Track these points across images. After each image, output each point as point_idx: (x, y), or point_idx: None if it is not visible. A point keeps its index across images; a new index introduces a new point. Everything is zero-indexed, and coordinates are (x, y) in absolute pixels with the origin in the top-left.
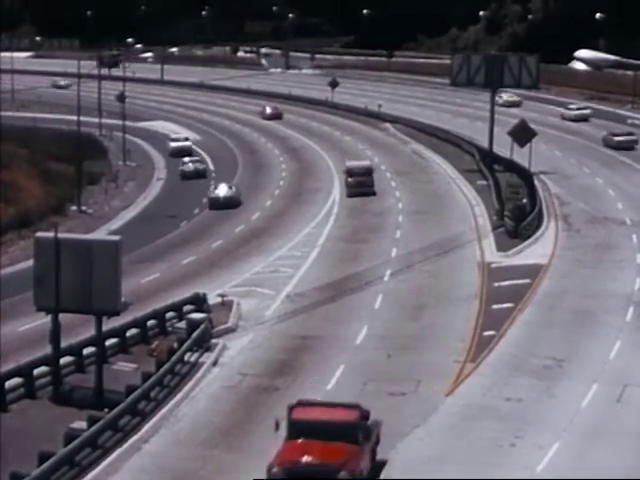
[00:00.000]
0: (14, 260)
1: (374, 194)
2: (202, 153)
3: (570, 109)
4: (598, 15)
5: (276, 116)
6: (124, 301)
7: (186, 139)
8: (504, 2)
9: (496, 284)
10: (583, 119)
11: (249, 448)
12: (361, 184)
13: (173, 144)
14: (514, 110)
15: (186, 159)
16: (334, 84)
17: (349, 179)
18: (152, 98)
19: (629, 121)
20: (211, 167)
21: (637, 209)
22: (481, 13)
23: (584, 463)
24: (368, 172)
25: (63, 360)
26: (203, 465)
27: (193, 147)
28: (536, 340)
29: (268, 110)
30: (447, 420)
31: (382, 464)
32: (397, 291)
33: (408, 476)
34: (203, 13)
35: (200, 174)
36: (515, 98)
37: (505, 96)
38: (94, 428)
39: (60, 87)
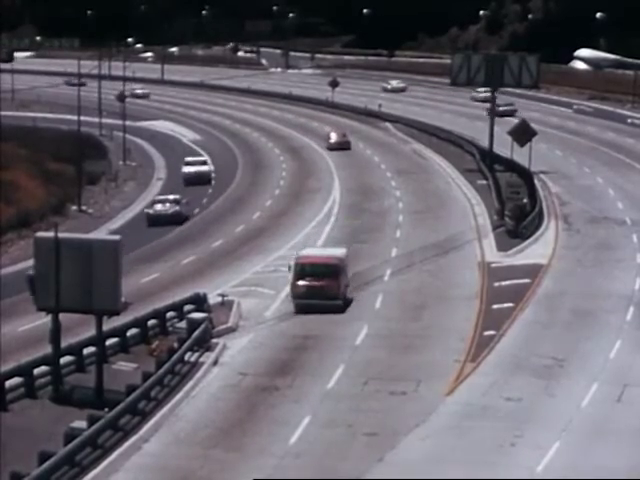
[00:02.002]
0: (14, 260)
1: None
2: (202, 153)
3: (478, 92)
4: (598, 15)
5: (343, 146)
6: (124, 301)
7: (204, 162)
8: (504, 2)
9: (496, 284)
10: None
11: (249, 448)
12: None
13: (187, 169)
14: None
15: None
16: (334, 84)
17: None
18: (152, 97)
19: (629, 120)
20: (211, 167)
21: (637, 209)
22: (481, 13)
23: (584, 463)
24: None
25: (63, 360)
26: (203, 464)
27: (212, 172)
28: (536, 340)
29: (334, 138)
30: (447, 420)
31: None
32: (397, 291)
33: (408, 476)
34: (203, 13)
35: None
36: (402, 84)
37: (394, 82)
38: (94, 428)
39: (138, 97)
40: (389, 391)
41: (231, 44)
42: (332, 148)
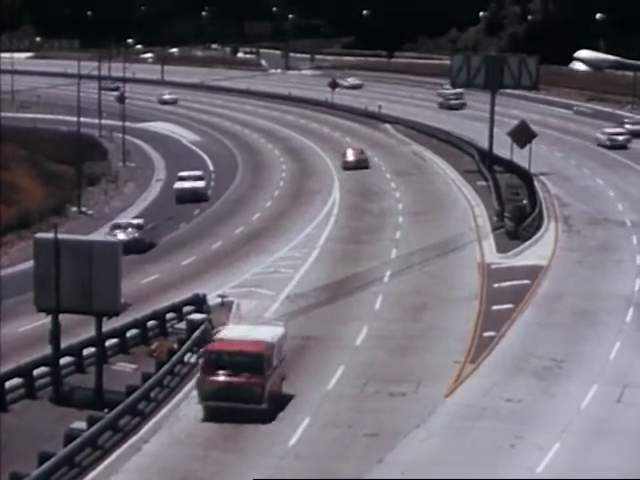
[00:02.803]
0: (14, 261)
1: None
2: (201, 154)
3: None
4: (598, 16)
5: (361, 164)
6: (123, 302)
7: (200, 178)
8: (504, 3)
9: (496, 285)
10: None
11: (249, 448)
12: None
13: (180, 185)
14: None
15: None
16: (334, 85)
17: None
18: (152, 99)
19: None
20: (211, 168)
21: (637, 210)
22: (481, 14)
23: (584, 464)
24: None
25: (63, 360)
26: (203, 465)
27: (209, 189)
28: (536, 341)
29: (350, 156)
30: (447, 421)
31: None
32: (397, 292)
33: (408, 476)
34: (203, 14)
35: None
36: (358, 81)
37: (350, 80)
38: (94, 428)
39: (165, 102)
40: (389, 392)
41: (229, 48)
42: (348, 167)
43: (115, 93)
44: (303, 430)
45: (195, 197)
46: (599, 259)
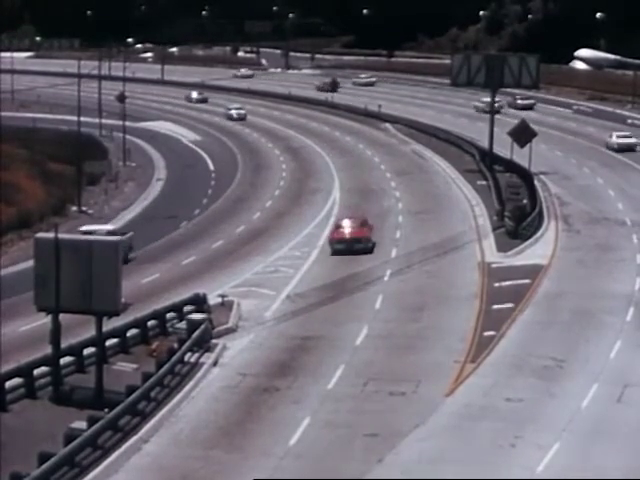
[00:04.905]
0: (14, 261)
1: None
2: (202, 153)
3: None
4: (598, 15)
5: (360, 245)
6: (123, 302)
7: (111, 233)
8: (504, 2)
9: (496, 284)
10: None
11: (249, 448)
12: None
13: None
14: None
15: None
16: (334, 85)
17: None
18: (152, 98)
19: (629, 121)
20: (211, 167)
21: (637, 210)
22: (481, 13)
23: (584, 463)
24: None
25: (63, 360)
26: (203, 465)
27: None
28: (536, 340)
29: (346, 228)
30: (447, 420)
31: None
32: (397, 291)
33: (408, 476)
34: (203, 13)
35: None
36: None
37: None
38: (94, 428)
39: (197, 101)
40: (389, 392)
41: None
42: (338, 251)
43: (202, 105)
44: (303, 430)
45: None
46: (599, 258)
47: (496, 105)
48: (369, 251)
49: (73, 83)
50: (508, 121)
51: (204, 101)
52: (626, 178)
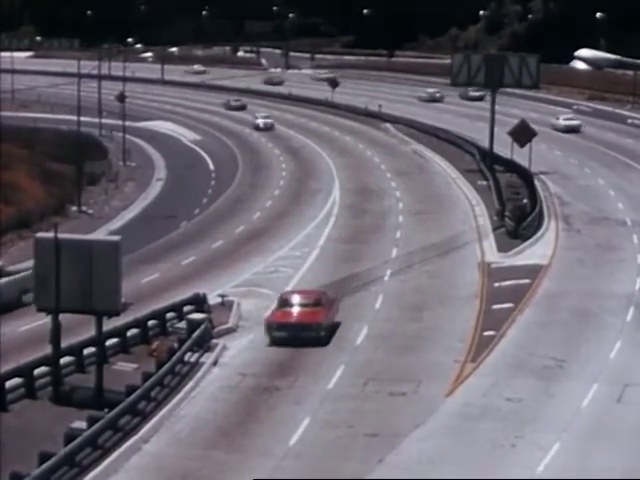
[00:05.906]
0: (14, 260)
1: None
2: (202, 153)
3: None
4: (598, 15)
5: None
6: (123, 302)
7: None
8: (504, 2)
9: (496, 284)
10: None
11: (249, 448)
12: None
13: None
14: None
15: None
16: (334, 84)
17: None
18: (152, 98)
19: (629, 121)
20: (211, 167)
21: (638, 209)
22: (481, 13)
23: (585, 463)
24: None
25: (63, 360)
26: (203, 465)
27: None
28: (536, 340)
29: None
30: (447, 420)
31: None
32: (397, 291)
33: (408, 476)
34: (203, 13)
35: None
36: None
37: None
38: (94, 428)
39: (233, 108)
40: (389, 392)
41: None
42: (276, 341)
43: (238, 113)
44: (303, 430)
45: None
46: (600, 258)
47: (437, 95)
48: (322, 342)
49: (73, 83)
50: (508, 121)
51: (242, 108)
52: (626, 178)
